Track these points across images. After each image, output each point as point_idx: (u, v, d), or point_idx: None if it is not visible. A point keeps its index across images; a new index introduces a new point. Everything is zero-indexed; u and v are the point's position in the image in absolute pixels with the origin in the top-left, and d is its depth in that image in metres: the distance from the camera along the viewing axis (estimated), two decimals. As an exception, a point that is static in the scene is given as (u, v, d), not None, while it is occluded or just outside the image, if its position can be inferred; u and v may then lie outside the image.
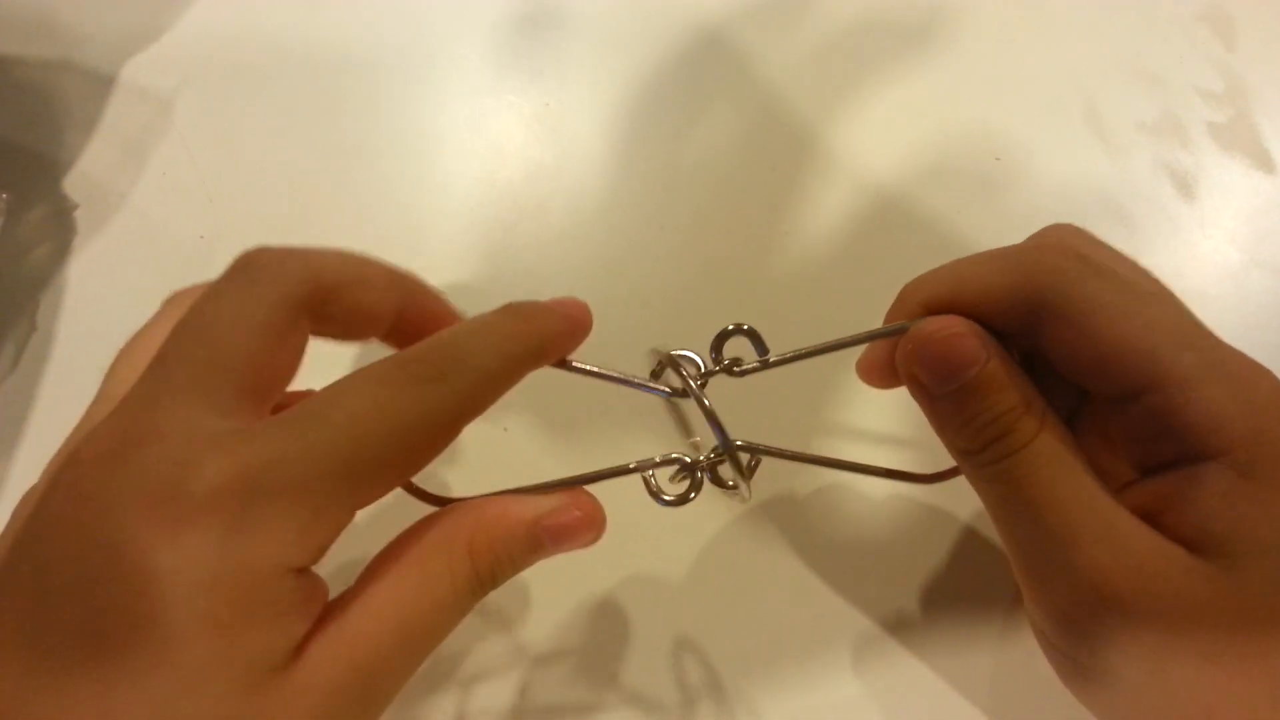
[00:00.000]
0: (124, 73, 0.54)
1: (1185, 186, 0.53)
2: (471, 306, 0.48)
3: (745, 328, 0.33)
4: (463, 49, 0.56)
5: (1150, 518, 0.28)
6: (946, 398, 0.30)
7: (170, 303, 0.33)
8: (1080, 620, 0.27)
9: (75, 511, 0.23)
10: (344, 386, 0.26)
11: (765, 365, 0.32)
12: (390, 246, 0.50)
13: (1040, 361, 0.31)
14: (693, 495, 0.32)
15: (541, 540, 0.29)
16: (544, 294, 0.46)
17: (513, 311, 0.30)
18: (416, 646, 0.27)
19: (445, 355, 0.27)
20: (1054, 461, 0.28)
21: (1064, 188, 0.52)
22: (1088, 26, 0.58)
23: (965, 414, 0.29)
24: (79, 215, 0.50)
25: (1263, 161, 0.53)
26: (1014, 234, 0.50)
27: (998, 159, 0.53)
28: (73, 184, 0.51)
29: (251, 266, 0.28)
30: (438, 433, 0.27)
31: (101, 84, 0.54)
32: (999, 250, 0.32)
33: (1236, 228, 0.52)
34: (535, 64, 0.56)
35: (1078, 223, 0.51)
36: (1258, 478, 0.26)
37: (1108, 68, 0.56)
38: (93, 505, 0.23)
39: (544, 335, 0.30)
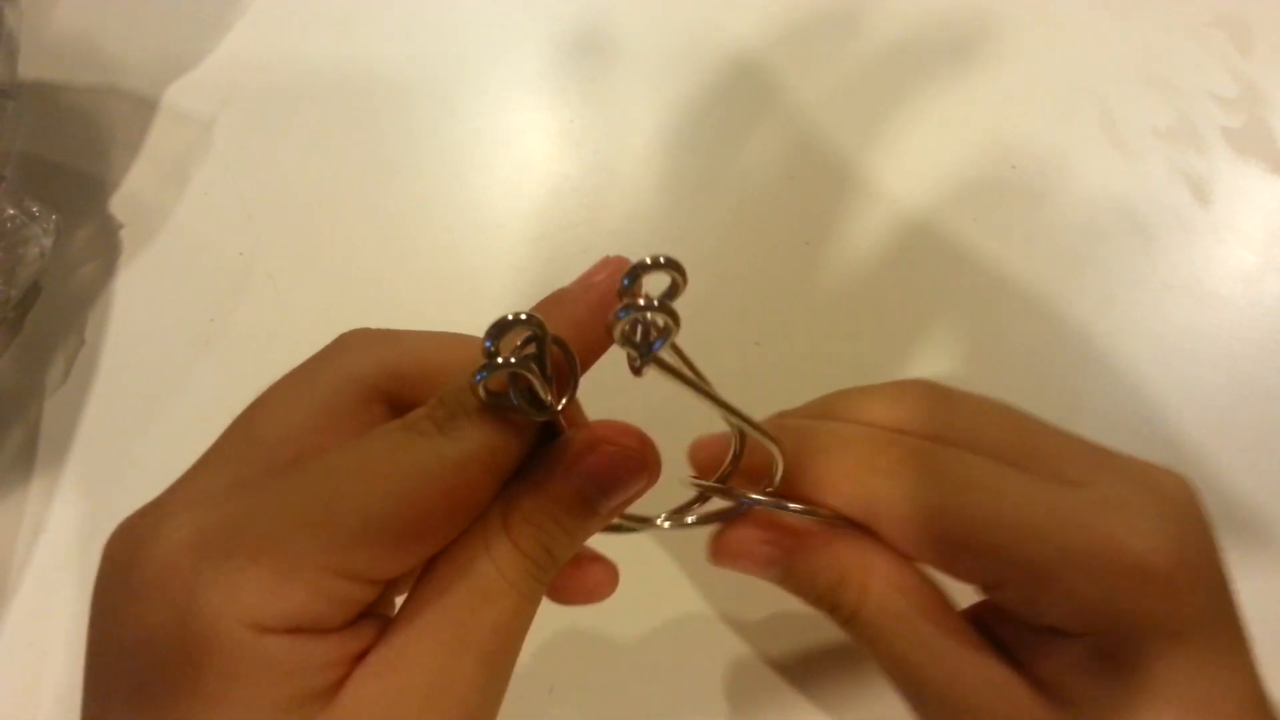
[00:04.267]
0: (166, 97, 0.57)
1: (1200, 191, 0.53)
2: (497, 293, 0.50)
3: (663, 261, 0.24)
4: (489, 69, 0.58)
5: (1004, 645, 0.28)
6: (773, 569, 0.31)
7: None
8: None
9: (102, 575, 0.24)
10: (337, 447, 0.25)
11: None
12: (420, 260, 0.52)
13: None
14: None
15: (591, 499, 0.26)
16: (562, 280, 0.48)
17: None
18: (485, 651, 0.24)
19: (447, 407, 0.25)
20: (893, 620, 0.28)
21: (1080, 194, 0.53)
22: (1103, 34, 0.59)
23: (790, 586, 0.30)
24: (124, 234, 0.52)
25: (1277, 165, 0.54)
26: (1030, 244, 0.52)
27: (1013, 167, 0.54)
28: (118, 204, 0.53)
29: (338, 344, 0.28)
30: (445, 488, 0.24)
31: (145, 108, 0.56)
32: (867, 388, 0.32)
33: (1251, 231, 0.52)
34: (560, 83, 0.58)
35: (1094, 230, 0.53)
36: (1112, 659, 0.26)
37: (1123, 74, 0.57)
38: (108, 569, 0.24)
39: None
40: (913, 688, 0.28)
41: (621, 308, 0.23)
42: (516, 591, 0.25)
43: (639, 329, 0.24)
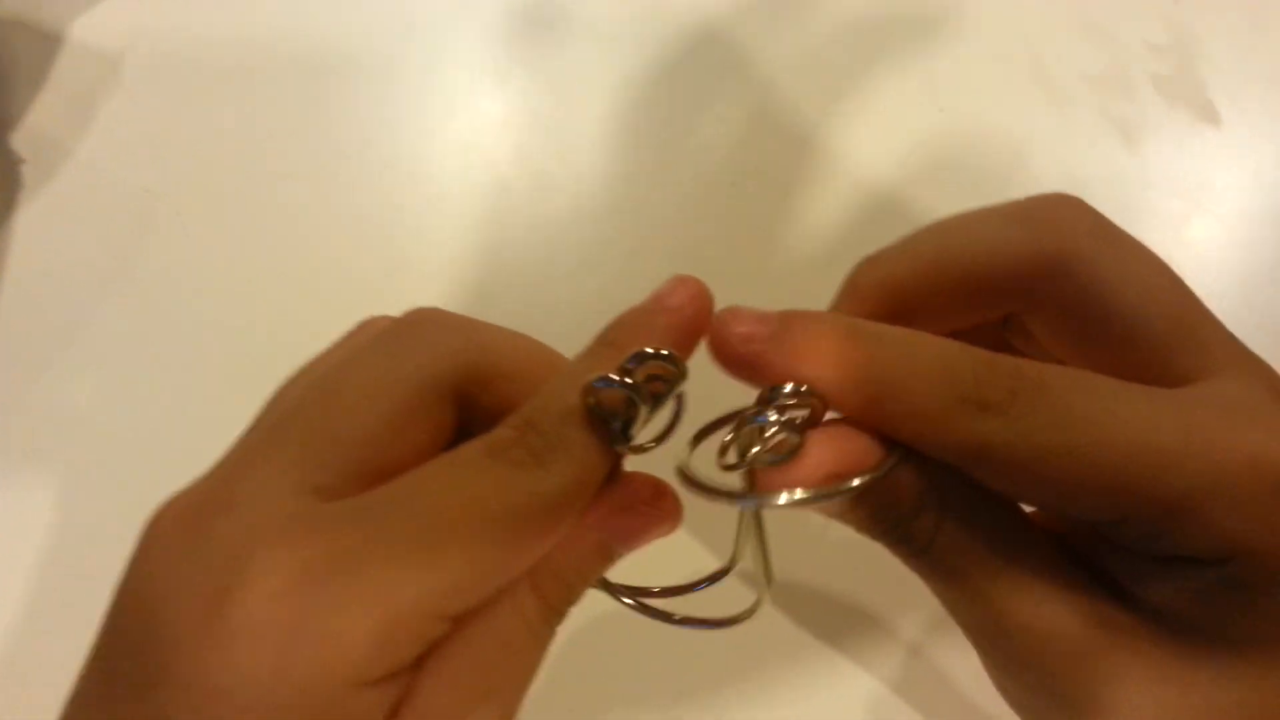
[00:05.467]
0: (73, 31, 0.54)
1: (1129, 138, 0.53)
2: (442, 261, 0.49)
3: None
4: (437, 28, 0.56)
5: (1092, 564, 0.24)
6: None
7: (360, 328, 0.28)
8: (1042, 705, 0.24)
9: (140, 596, 0.22)
10: (429, 473, 0.23)
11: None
12: (340, 200, 0.50)
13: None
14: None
15: (611, 549, 0.25)
16: (512, 254, 0.46)
17: (607, 344, 0.25)
18: (504, 699, 0.24)
19: (542, 434, 0.23)
20: (968, 555, 0.24)
21: (1008, 139, 0.53)
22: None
23: (854, 516, 0.25)
24: (25, 170, 0.50)
25: (1206, 113, 0.54)
26: (951, 188, 0.51)
27: (941, 110, 0.53)
28: (20, 139, 0.51)
29: (414, 330, 0.25)
30: (542, 525, 0.23)
31: (50, 42, 0.54)
32: (991, 208, 0.26)
33: (1179, 178, 0.52)
34: (512, 40, 0.56)
35: (1023, 175, 0.52)
36: (1249, 585, 0.22)
37: (1054, 21, 0.57)
38: (155, 591, 0.21)
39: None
40: (992, 630, 0.24)
41: (757, 411, 0.23)
42: (537, 642, 0.25)
43: (756, 439, 0.23)
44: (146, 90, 0.53)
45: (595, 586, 0.26)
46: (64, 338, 0.47)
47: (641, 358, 0.23)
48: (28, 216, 0.49)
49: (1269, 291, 0.49)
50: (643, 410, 0.24)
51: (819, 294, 0.48)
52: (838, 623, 0.42)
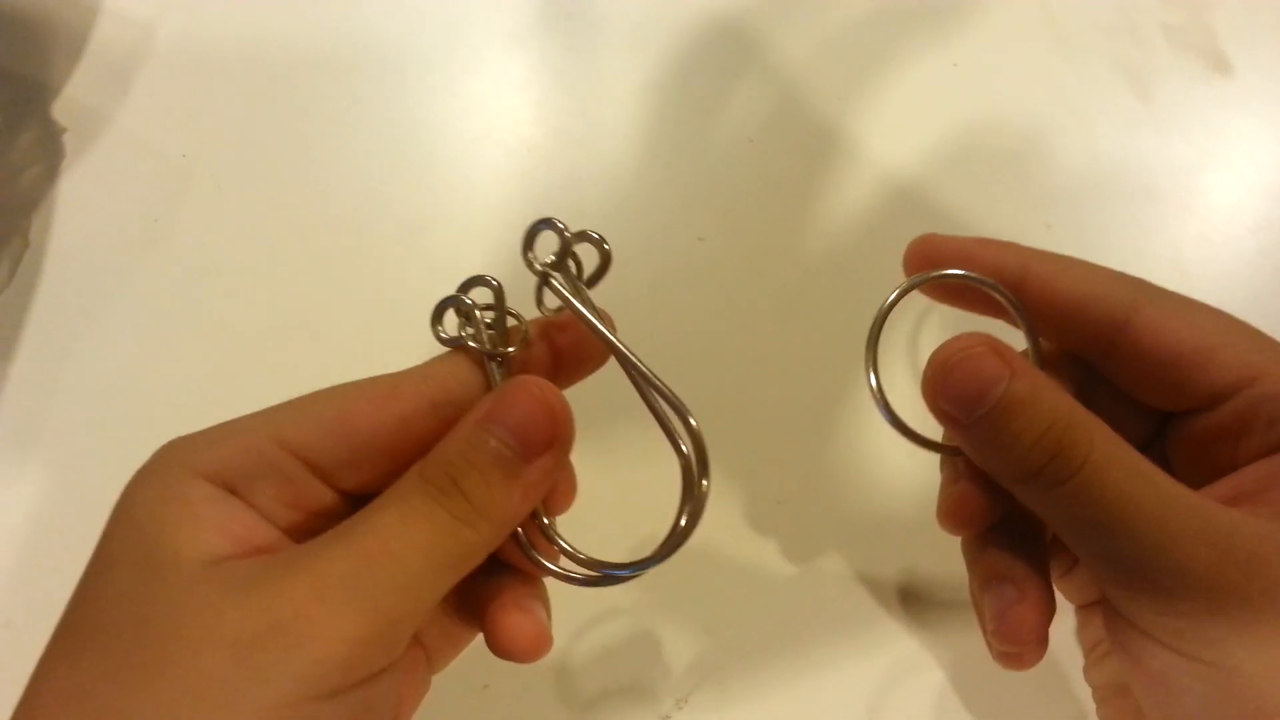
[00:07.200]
0: (107, 1, 0.56)
1: (1141, 87, 0.54)
2: (469, 220, 0.50)
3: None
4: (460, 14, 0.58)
5: (1241, 505, 0.27)
6: (980, 424, 0.27)
7: None
8: (1197, 622, 0.25)
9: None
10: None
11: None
12: (373, 158, 0.52)
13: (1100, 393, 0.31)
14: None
15: (489, 432, 0.26)
16: (537, 212, 0.47)
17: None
18: (372, 600, 0.24)
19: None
20: (1124, 467, 0.26)
21: (1019, 91, 0.53)
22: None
23: (1006, 437, 0.27)
24: (67, 138, 0.52)
25: (1217, 62, 0.54)
26: (962, 137, 0.52)
27: (955, 65, 0.54)
28: (61, 108, 0.53)
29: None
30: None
31: (87, 11, 0.56)
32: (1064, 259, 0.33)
33: (1190, 126, 0.53)
34: (536, 31, 0.57)
35: (1035, 126, 0.53)
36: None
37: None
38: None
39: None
40: (1152, 551, 0.25)
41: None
42: (407, 507, 0.25)
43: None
44: (180, 57, 0.54)
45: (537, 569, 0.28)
46: (107, 295, 0.48)
47: (469, 285, 0.29)
48: (71, 182, 0.51)
49: None
50: (477, 316, 0.29)
51: (847, 248, 0.49)
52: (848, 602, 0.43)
